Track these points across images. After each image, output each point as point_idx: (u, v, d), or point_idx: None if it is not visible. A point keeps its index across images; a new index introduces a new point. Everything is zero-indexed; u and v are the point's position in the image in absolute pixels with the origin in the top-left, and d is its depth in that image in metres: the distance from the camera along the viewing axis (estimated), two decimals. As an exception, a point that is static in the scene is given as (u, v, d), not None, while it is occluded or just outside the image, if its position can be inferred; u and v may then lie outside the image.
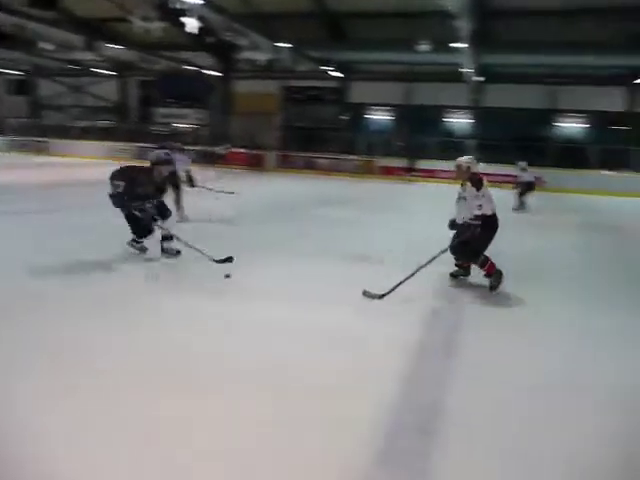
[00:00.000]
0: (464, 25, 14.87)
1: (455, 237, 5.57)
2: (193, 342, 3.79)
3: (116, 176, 6.04)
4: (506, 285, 5.48)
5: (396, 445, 2.61)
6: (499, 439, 2.71)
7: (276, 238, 7.91)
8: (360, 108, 26.10)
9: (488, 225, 5.32)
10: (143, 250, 6.45)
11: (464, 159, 5.75)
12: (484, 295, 5.36)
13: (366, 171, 22.55)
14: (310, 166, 23.21)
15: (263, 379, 3.24)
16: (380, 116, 26.39)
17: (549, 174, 19.46)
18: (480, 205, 5.24)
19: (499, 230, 5.48)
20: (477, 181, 5.38)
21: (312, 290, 5.29)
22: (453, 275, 5.95)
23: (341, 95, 26.09)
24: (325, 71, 23.74)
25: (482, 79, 22.66)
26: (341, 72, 24.52)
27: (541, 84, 23.23)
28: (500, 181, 20.86)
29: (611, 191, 18.96)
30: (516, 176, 14.54)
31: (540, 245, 8.61)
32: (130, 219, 6.29)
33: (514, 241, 8.07)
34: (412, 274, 5.17)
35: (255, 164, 23.51)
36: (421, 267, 5.26)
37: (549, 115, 23.93)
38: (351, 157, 23.26)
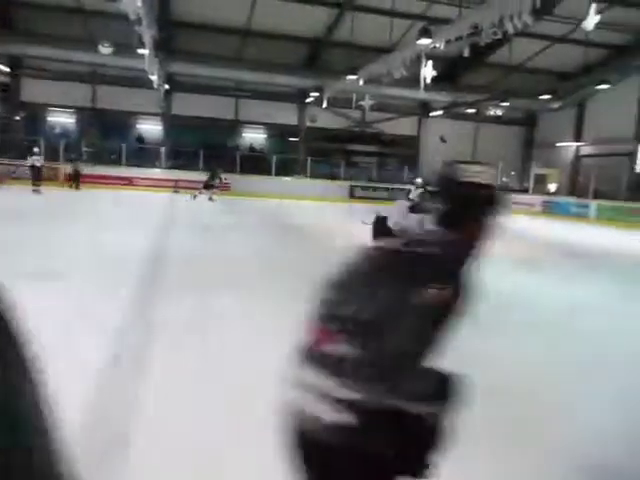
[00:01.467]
0: (146, 31, 14.78)
1: None
2: None
3: None
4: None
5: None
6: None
7: None
8: (38, 109, 23.52)
9: None
10: None
11: None
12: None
13: (49, 178, 20.45)
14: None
15: None
16: (64, 119, 24.30)
17: (236, 179, 20.94)
18: None
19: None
20: None
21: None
22: None
23: (12, 93, 23.03)
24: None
25: (169, 87, 22.98)
26: (9, 67, 21.67)
27: (226, 96, 24.83)
28: (190, 187, 21.62)
29: (291, 195, 21.55)
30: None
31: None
32: None
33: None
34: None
35: None
36: None
37: (234, 125, 25.75)
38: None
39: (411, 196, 13.72)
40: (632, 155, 22.07)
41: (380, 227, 5.33)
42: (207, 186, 18.28)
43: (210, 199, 17.87)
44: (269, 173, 23.00)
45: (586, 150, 25.11)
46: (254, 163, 23.54)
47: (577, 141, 25.34)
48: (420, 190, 13.52)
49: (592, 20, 9.97)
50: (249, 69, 21.52)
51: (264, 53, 21.33)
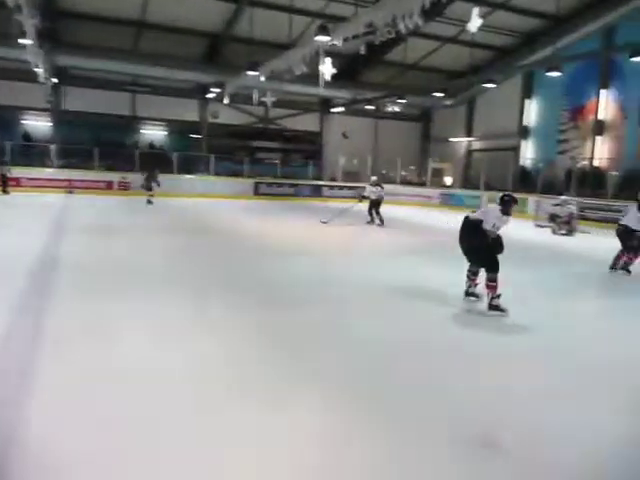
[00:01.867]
0: (27, 20, 13.71)
1: None
2: None
3: None
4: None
5: None
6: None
7: None
8: None
9: None
10: None
11: None
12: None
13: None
14: None
15: None
16: None
17: (135, 179, 20.01)
18: None
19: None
20: None
21: None
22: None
23: None
24: None
25: (58, 81, 21.56)
26: None
27: (122, 91, 23.72)
28: (88, 187, 20.53)
29: (195, 193, 21.07)
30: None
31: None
32: None
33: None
34: None
35: None
36: None
37: (132, 122, 24.66)
38: None
39: (365, 193, 14.49)
40: (516, 149, 23.83)
41: (474, 230, 5.58)
42: (148, 188, 17.30)
43: (148, 202, 17.10)
44: (171, 171, 22.28)
45: (477, 145, 26.76)
46: (154, 161, 22.63)
47: (468, 136, 26.93)
48: (375, 187, 14.22)
49: (475, 23, 10.59)
50: (145, 63, 20.70)
51: (161, 47, 20.57)
